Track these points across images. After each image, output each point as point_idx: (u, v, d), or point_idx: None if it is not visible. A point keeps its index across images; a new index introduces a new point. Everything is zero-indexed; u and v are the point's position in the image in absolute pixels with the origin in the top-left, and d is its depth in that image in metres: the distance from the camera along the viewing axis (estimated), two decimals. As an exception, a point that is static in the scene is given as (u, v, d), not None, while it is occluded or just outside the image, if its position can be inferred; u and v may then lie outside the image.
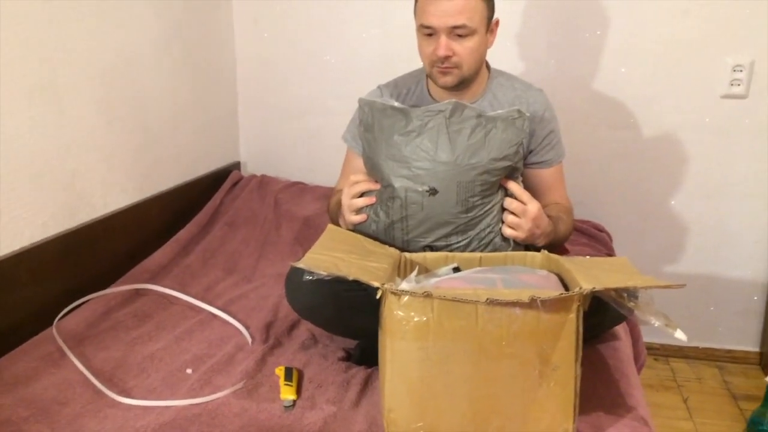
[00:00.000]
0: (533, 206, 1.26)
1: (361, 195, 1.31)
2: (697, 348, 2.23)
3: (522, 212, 1.26)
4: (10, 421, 1.04)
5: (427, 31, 1.33)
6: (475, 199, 1.22)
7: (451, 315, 0.94)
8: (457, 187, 1.21)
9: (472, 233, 1.25)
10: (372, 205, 1.28)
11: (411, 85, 1.51)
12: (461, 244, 1.25)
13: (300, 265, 0.99)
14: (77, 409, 1.09)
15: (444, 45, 1.32)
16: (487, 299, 0.92)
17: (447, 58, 1.33)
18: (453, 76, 1.37)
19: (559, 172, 1.54)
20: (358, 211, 1.30)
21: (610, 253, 1.93)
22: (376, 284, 0.97)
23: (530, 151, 1.48)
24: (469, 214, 1.23)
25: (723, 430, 1.86)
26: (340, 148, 1.59)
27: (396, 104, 1.28)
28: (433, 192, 1.21)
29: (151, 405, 1.10)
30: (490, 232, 1.26)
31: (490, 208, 1.25)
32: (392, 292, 0.95)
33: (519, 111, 1.25)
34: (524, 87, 1.49)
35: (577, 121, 2.08)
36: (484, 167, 1.21)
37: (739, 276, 2.13)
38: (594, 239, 1.99)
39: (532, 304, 0.93)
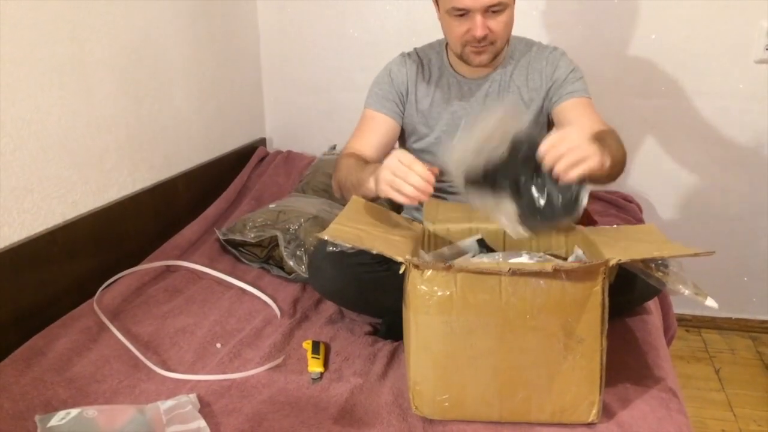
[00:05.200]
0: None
1: None
2: (730, 319, 2.20)
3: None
4: (47, 394, 1.08)
5: (459, 12, 1.28)
6: None
7: (475, 288, 0.94)
8: None
9: None
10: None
11: (432, 56, 1.49)
12: None
13: (324, 235, 1.00)
14: (114, 384, 1.12)
15: (480, 25, 1.27)
16: (510, 269, 0.91)
17: (484, 37, 1.30)
18: (488, 54, 1.34)
19: (589, 104, 1.41)
20: None
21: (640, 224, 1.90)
22: (399, 259, 0.97)
23: (552, 95, 1.42)
24: None
25: (756, 402, 1.84)
26: (364, 122, 1.58)
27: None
28: None
29: (188, 378, 1.13)
30: None
31: None
32: (415, 266, 0.96)
33: None
34: (540, 48, 1.46)
35: (606, 89, 2.02)
36: None
37: (774, 246, 2.08)
38: (623, 210, 1.96)
39: (555, 274, 0.92)
